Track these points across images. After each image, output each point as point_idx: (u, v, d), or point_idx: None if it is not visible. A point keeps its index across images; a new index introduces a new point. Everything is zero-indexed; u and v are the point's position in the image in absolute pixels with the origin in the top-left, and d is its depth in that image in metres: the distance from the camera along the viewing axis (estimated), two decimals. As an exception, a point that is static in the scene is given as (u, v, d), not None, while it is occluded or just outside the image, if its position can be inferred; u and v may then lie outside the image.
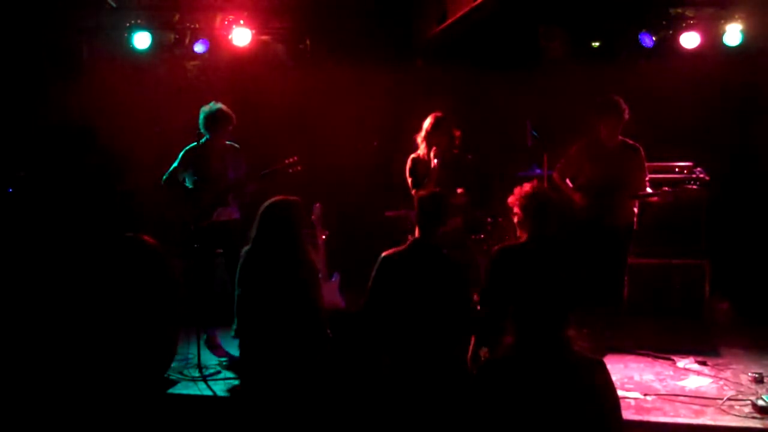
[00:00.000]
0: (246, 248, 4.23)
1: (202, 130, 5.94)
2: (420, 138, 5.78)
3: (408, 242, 4.18)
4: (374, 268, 4.12)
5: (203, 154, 5.95)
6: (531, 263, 4.14)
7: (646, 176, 5.94)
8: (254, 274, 4.14)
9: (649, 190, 5.91)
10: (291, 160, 5.91)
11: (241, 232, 6.11)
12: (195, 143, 6.01)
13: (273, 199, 4.24)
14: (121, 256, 3.90)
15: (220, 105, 5.91)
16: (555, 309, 2.94)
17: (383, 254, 4.13)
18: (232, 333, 4.32)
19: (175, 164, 5.97)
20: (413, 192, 5.72)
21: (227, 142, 6.04)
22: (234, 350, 6.03)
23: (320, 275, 4.57)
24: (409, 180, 5.80)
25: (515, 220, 4.45)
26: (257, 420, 4.11)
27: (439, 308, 3.98)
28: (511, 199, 4.47)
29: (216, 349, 5.87)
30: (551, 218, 4.35)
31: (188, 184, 5.98)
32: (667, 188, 5.88)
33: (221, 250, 6.25)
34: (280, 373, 4.04)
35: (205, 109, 5.92)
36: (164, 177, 6.00)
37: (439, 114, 5.72)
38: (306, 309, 4.09)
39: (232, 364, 5.57)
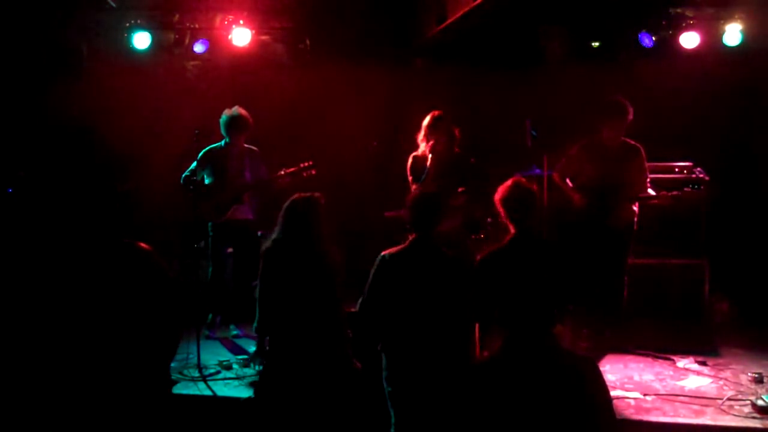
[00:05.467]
0: (267, 245, 4.22)
1: (222, 133, 6.28)
2: (420, 137, 5.78)
3: (407, 241, 4.18)
4: (373, 267, 4.11)
5: (222, 155, 6.29)
6: (514, 262, 4.11)
7: (646, 177, 5.93)
8: (278, 270, 4.12)
9: (650, 191, 5.90)
10: (306, 163, 6.16)
11: (253, 232, 6.28)
12: (214, 144, 6.32)
13: (296, 196, 4.24)
14: (117, 262, 3.88)
15: (240, 110, 6.23)
16: (540, 307, 2.93)
17: (382, 253, 4.12)
18: (254, 328, 4.33)
19: (194, 164, 6.26)
20: (413, 189, 5.74)
21: (246, 145, 6.34)
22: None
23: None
24: (410, 178, 5.80)
25: (501, 216, 4.40)
26: (278, 417, 4.11)
27: (438, 307, 3.97)
28: (495, 197, 4.43)
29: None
30: (531, 209, 4.29)
31: (207, 182, 6.29)
32: (666, 192, 5.85)
33: (231, 249, 6.45)
34: (303, 370, 4.03)
35: (225, 114, 6.25)
36: (183, 175, 6.26)
37: (437, 113, 5.71)
38: (328, 306, 4.09)
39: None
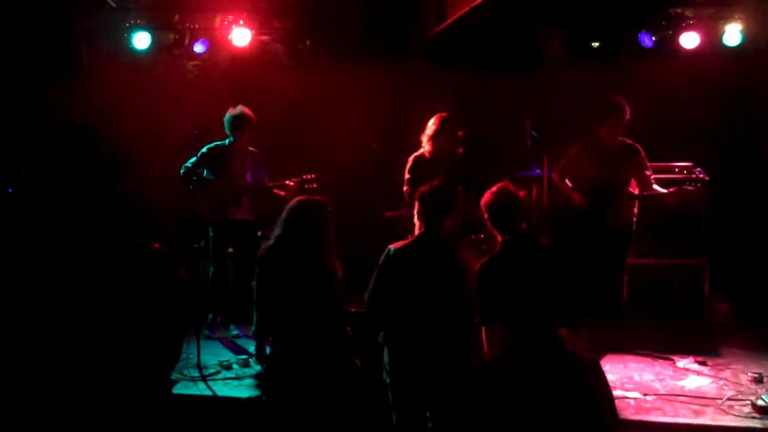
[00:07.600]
0: (266, 246, 4.20)
1: (227, 132, 6.27)
2: (425, 138, 5.78)
3: (414, 236, 4.18)
4: (380, 260, 4.11)
5: (225, 154, 6.29)
6: (509, 267, 4.09)
7: (650, 174, 5.91)
8: (277, 271, 4.11)
9: (656, 187, 5.87)
10: (309, 176, 6.17)
11: (253, 232, 6.27)
12: (218, 142, 6.31)
13: (301, 198, 4.21)
14: (130, 264, 3.84)
15: (243, 109, 6.23)
16: (542, 309, 2.93)
17: (389, 247, 4.13)
18: (252, 331, 4.33)
19: (195, 158, 6.24)
20: (405, 189, 5.75)
21: (250, 148, 6.33)
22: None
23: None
24: (406, 177, 5.80)
25: (488, 224, 4.36)
26: (281, 416, 4.11)
27: (441, 301, 3.97)
28: (481, 202, 4.37)
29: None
30: (515, 215, 4.24)
31: (207, 177, 6.28)
32: (674, 188, 5.82)
33: (231, 249, 6.46)
34: (305, 370, 4.03)
35: (229, 113, 6.24)
36: (182, 169, 6.25)
37: (444, 115, 5.73)
38: (329, 307, 4.09)
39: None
